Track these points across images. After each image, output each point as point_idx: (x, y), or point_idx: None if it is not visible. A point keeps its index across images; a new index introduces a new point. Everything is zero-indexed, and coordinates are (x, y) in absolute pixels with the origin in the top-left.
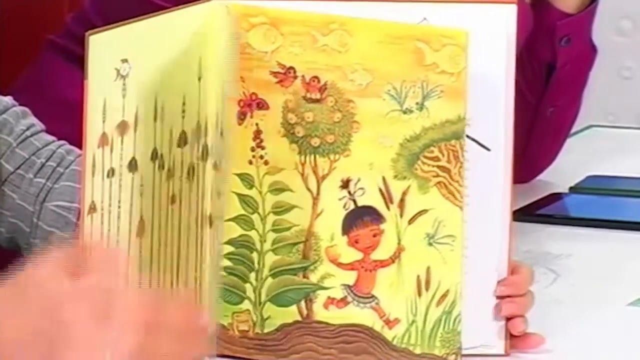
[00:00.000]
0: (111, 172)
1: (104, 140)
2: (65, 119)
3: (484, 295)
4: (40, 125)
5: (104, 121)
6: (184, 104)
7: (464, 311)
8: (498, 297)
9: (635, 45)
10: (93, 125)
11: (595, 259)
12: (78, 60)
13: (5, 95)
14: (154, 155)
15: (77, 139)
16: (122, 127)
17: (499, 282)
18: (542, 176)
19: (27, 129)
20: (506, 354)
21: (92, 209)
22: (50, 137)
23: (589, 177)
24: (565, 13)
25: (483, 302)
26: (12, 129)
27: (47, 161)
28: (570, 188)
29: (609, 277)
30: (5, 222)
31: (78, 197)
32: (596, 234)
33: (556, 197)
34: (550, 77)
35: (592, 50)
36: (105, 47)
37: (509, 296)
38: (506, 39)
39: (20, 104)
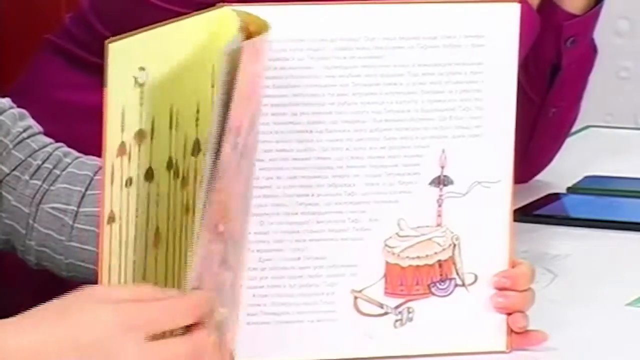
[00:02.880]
0: (129, 182)
1: (122, 149)
2: (62, 119)
3: (485, 292)
4: (37, 128)
5: (122, 130)
6: (197, 111)
7: (466, 308)
8: (495, 288)
9: (632, 45)
10: (112, 134)
11: (593, 259)
12: (76, 61)
13: (3, 96)
14: (170, 164)
15: (73, 140)
16: (140, 135)
17: (496, 274)
18: (539, 176)
19: (24, 130)
20: (507, 351)
21: (112, 219)
22: (48, 139)
23: (586, 178)
24: (572, 14)
25: (484, 298)
26: (8, 130)
27: (43, 163)
28: (568, 188)
29: (607, 278)
30: (1, 224)
31: (74, 199)
32: (594, 234)
33: (554, 197)
34: (554, 78)
35: (594, 51)
36: (124, 55)
37: (506, 289)
38: (510, 39)
39: (18, 104)
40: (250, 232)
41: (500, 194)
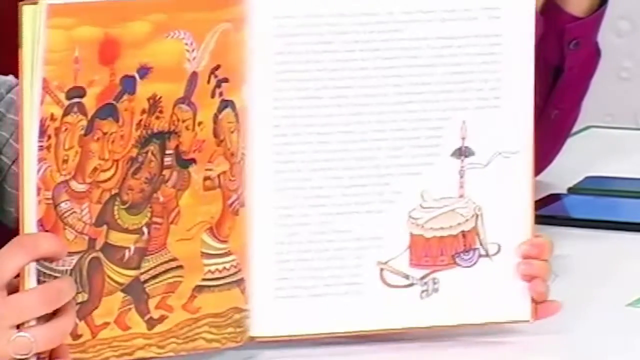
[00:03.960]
0: None
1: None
2: None
3: (509, 262)
4: None
5: None
6: None
7: (490, 278)
8: (521, 257)
9: (633, 46)
10: (30, 95)
11: (593, 259)
12: None
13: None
14: None
15: None
16: None
17: (523, 242)
18: (540, 177)
19: None
20: (532, 320)
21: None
22: None
23: (587, 178)
24: (575, 16)
25: (508, 269)
26: (18, 108)
27: None
28: (569, 189)
29: (607, 278)
30: (15, 202)
31: None
32: (594, 234)
33: (554, 197)
34: (557, 80)
35: (597, 54)
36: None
37: (531, 257)
38: (526, 10)
39: None
40: (276, 207)
41: (521, 164)
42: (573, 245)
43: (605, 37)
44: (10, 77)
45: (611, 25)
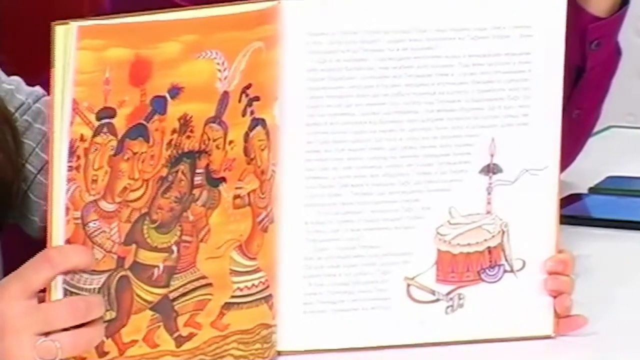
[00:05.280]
0: None
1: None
2: None
3: (533, 277)
4: None
5: None
6: None
7: (514, 293)
8: (548, 273)
9: None
10: (60, 116)
11: (614, 259)
12: None
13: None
14: None
15: None
16: None
17: (549, 258)
18: (561, 176)
19: None
20: (553, 335)
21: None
22: None
23: (608, 178)
24: (596, 17)
25: (532, 284)
26: (45, 118)
27: None
28: (590, 189)
29: (628, 278)
30: (40, 211)
31: None
32: (615, 234)
33: (576, 197)
34: (578, 80)
35: (618, 53)
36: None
37: (557, 273)
38: (557, 29)
39: None
40: (307, 222)
41: (547, 181)
42: (594, 245)
43: (627, 37)
44: (38, 88)
45: (632, 25)
